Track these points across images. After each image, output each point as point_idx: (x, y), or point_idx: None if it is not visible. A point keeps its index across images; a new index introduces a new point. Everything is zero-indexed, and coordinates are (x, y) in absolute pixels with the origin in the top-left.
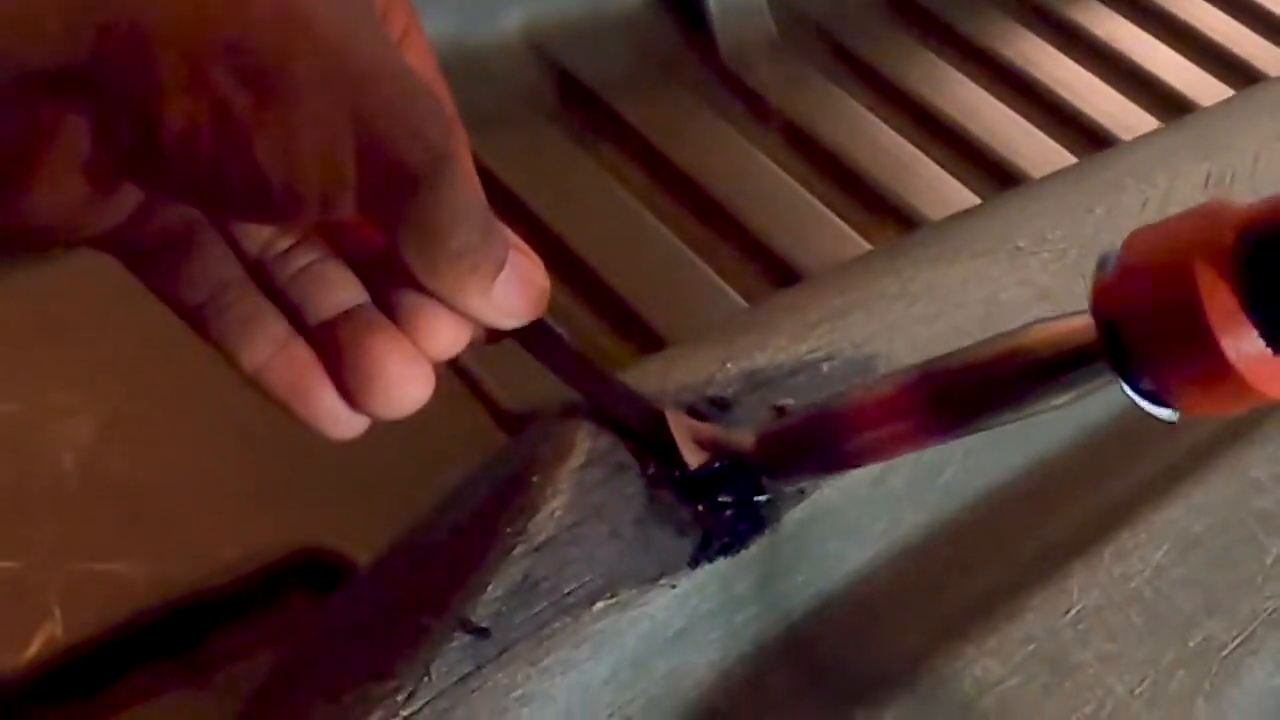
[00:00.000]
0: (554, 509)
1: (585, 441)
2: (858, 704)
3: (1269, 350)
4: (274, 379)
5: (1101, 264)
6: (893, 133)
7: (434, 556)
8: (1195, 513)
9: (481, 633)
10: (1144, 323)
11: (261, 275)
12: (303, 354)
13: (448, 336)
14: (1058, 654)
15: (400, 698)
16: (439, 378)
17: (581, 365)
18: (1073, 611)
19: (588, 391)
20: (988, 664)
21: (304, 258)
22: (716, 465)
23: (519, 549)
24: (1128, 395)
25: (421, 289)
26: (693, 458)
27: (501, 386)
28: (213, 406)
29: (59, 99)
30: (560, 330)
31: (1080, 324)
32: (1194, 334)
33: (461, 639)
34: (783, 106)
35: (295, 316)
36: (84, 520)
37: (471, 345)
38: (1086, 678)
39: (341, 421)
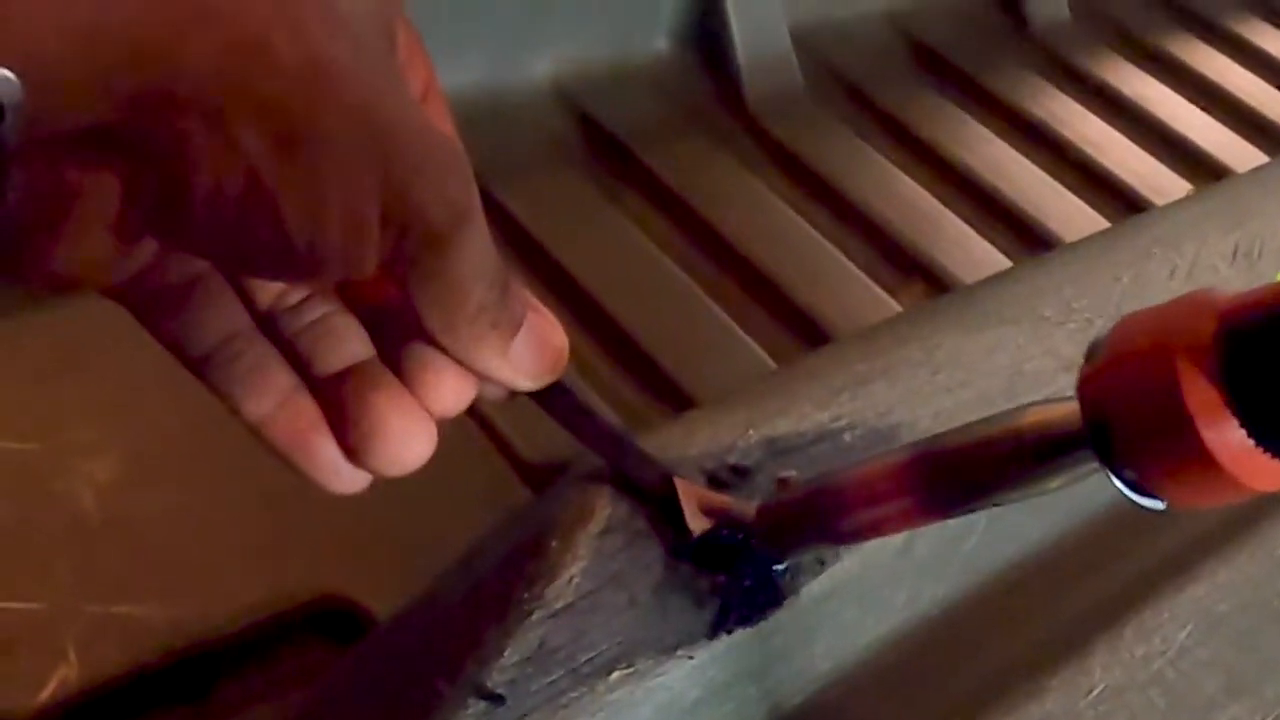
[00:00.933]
0: (572, 575)
1: (605, 508)
2: None
3: (1251, 442)
4: (276, 431)
5: (1091, 350)
6: (920, 189)
7: (451, 618)
8: (1220, 591)
9: (496, 699)
10: (1127, 414)
11: (271, 326)
12: (306, 407)
13: (454, 392)
14: None
15: None
16: (460, 428)
17: (598, 426)
18: (1094, 692)
19: (603, 453)
20: None
21: (315, 311)
22: (722, 534)
23: (536, 614)
24: (1115, 485)
25: (436, 345)
26: (697, 525)
27: (523, 438)
28: (233, 449)
29: (89, 159)
30: (577, 390)
31: (1068, 411)
32: (1175, 426)
33: (476, 706)
34: (809, 160)
35: (302, 368)
36: (102, 561)
37: (489, 401)
38: None
39: (342, 476)
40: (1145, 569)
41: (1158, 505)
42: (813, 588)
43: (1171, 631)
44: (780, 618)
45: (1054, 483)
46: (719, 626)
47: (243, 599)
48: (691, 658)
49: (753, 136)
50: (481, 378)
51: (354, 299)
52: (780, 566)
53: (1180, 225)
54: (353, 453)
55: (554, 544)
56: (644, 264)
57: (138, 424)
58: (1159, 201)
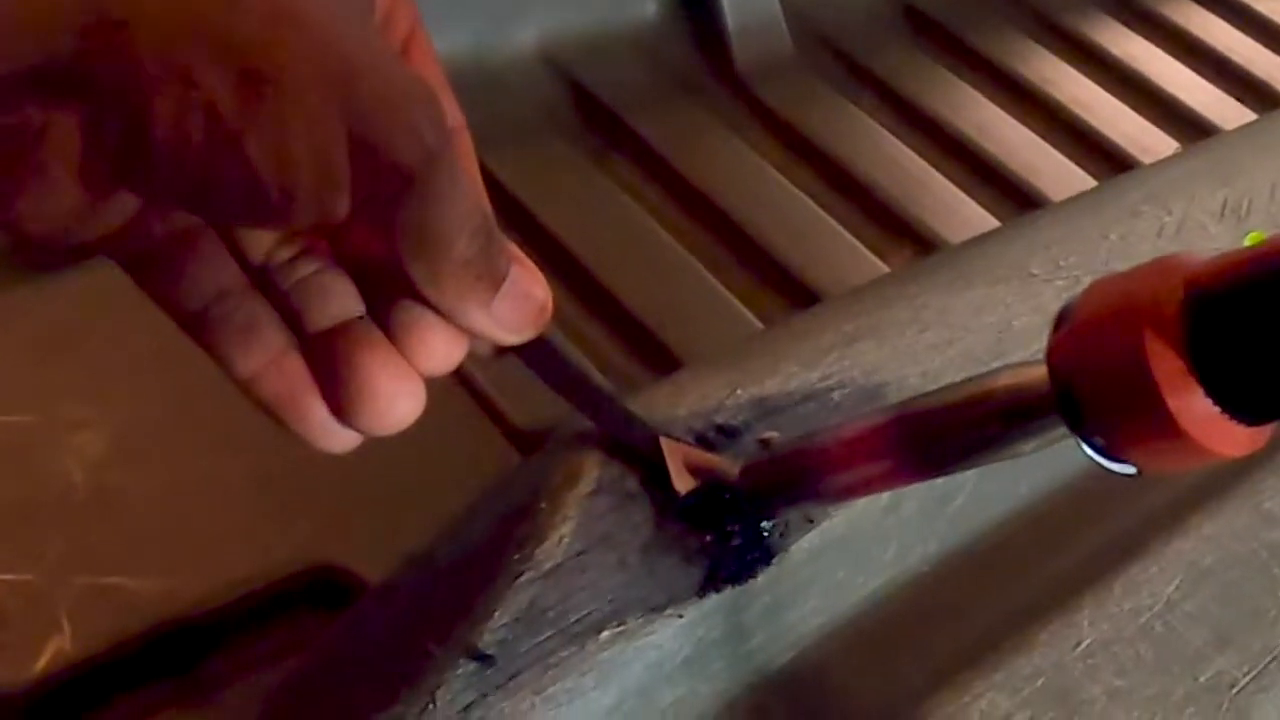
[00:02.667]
0: (562, 536)
1: (594, 469)
2: None
3: (1217, 409)
4: (266, 389)
5: (1062, 315)
6: (909, 151)
7: (441, 581)
8: (1206, 545)
9: (487, 660)
10: (1094, 381)
11: (263, 281)
12: (296, 365)
13: (442, 351)
14: (1066, 688)
15: None
16: (450, 394)
17: (583, 385)
18: (1082, 645)
19: (588, 412)
20: (995, 698)
21: (307, 267)
22: (710, 492)
23: (526, 576)
24: (1084, 450)
25: (422, 300)
26: (682, 484)
27: (513, 404)
28: (223, 421)
29: (45, 99)
30: (562, 347)
31: (1039, 375)
32: (1141, 395)
33: (467, 666)
34: (798, 124)
35: (293, 325)
36: (93, 534)
37: (475, 359)
38: (1095, 713)
39: (332, 435)
40: (1132, 524)
41: (1128, 470)
42: (802, 545)
43: (1159, 585)
44: (770, 575)
45: (1026, 446)
46: (708, 585)
47: (235, 569)
48: (681, 616)
49: (742, 101)
50: (466, 331)
51: (346, 256)
52: (769, 524)
53: (1169, 183)
54: (341, 411)
55: (543, 505)
56: (633, 229)
57: (129, 398)
58: (1148, 161)
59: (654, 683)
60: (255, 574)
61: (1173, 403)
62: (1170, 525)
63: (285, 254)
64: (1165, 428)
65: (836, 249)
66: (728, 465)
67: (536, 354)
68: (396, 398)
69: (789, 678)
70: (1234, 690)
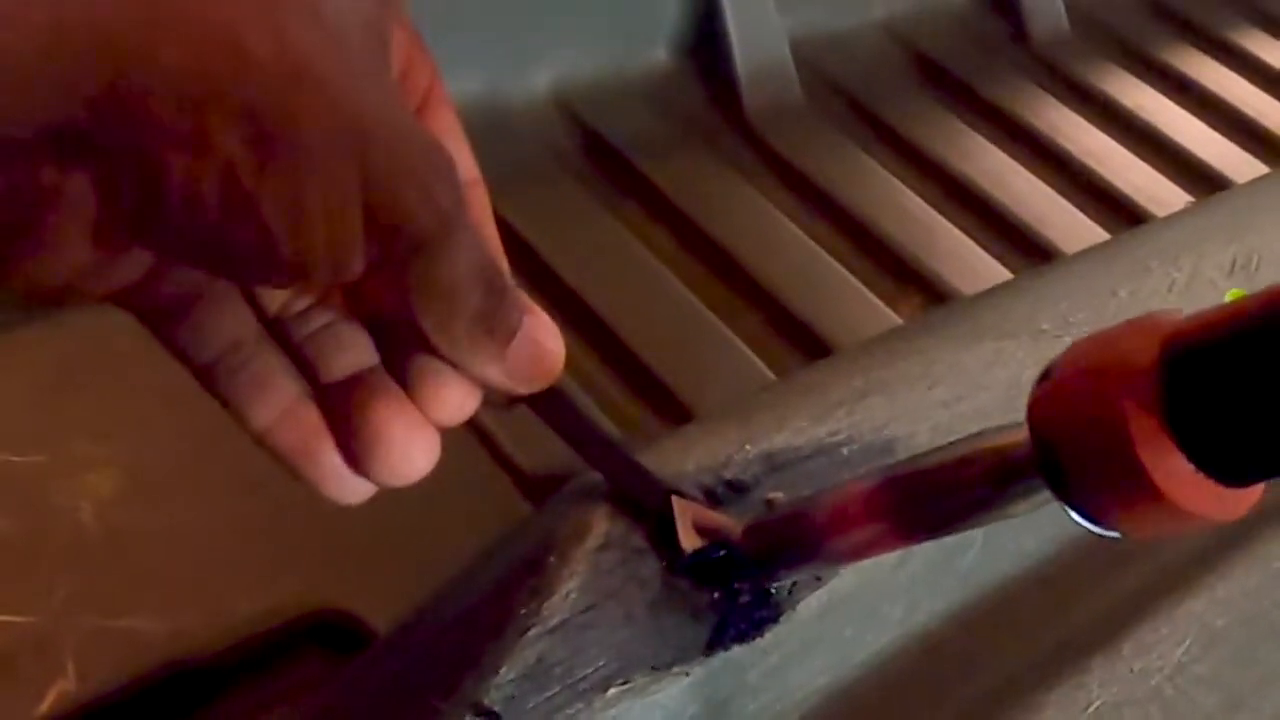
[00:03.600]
0: (569, 591)
1: (603, 523)
2: None
3: (1197, 472)
4: (281, 440)
5: (1045, 373)
6: (919, 200)
7: (447, 634)
8: (1218, 606)
9: (492, 717)
10: (1072, 442)
11: (277, 331)
12: (311, 416)
13: (457, 402)
14: None
15: None
16: (460, 440)
17: (594, 437)
18: (1092, 708)
19: (598, 464)
20: None
21: (321, 318)
22: (712, 553)
23: (533, 631)
24: (1067, 513)
25: (435, 353)
26: (689, 542)
27: (522, 451)
28: (233, 463)
29: (60, 161)
30: (574, 398)
31: (1020, 437)
32: (1118, 456)
33: None
34: (808, 170)
35: (307, 375)
36: (101, 575)
37: (487, 409)
38: None
39: (346, 485)
40: (1142, 584)
41: (1113, 535)
42: (810, 603)
43: (1169, 647)
44: (777, 634)
45: (1016, 508)
46: (716, 643)
47: (242, 612)
48: (688, 674)
49: (751, 147)
50: (478, 383)
51: (360, 306)
52: (777, 584)
53: (1178, 239)
54: (356, 462)
55: (551, 560)
56: (643, 275)
57: (139, 439)
58: (1158, 212)
59: None
60: (262, 617)
61: (1150, 465)
62: (1181, 585)
63: (300, 305)
64: (1144, 491)
65: (845, 295)
66: (733, 526)
67: (548, 404)
68: (411, 448)
69: None
70: None
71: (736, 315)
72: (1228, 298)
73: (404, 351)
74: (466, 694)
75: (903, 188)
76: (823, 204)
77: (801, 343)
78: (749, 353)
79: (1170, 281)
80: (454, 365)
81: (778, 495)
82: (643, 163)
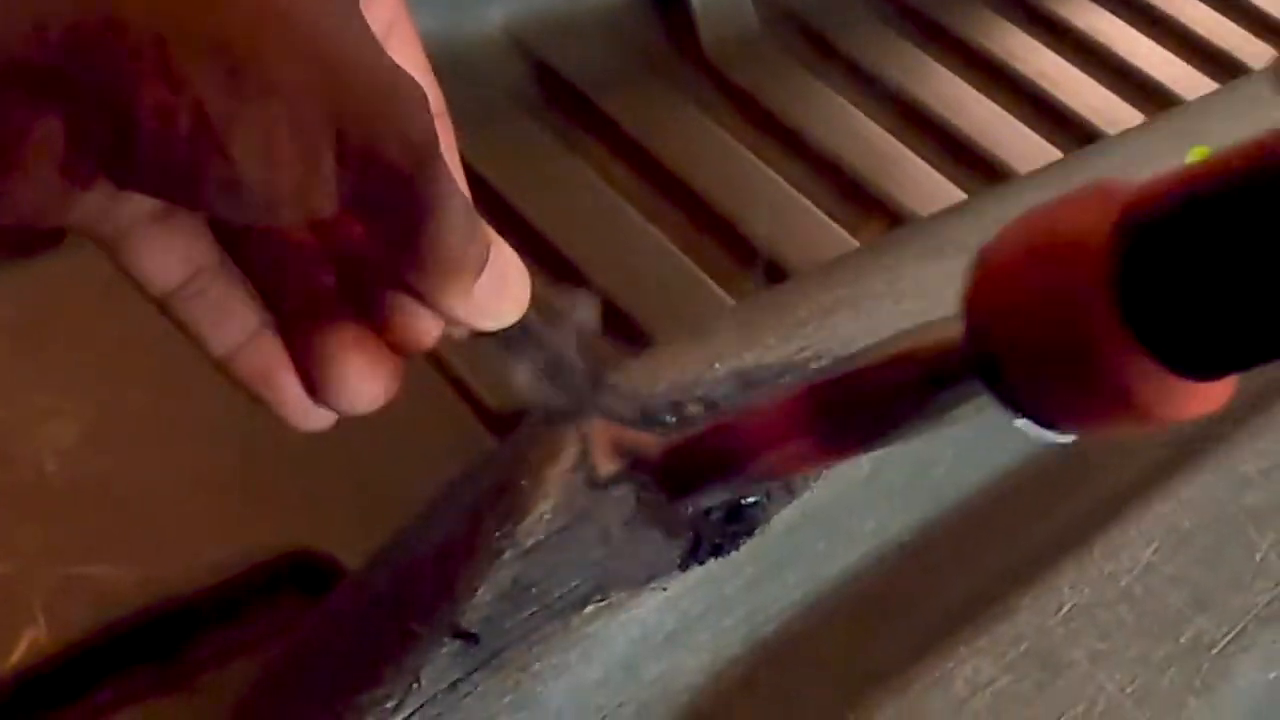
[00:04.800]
0: (542, 512)
1: (575, 445)
2: (848, 705)
3: (1159, 365)
4: (242, 367)
5: (980, 257)
6: (877, 127)
7: (422, 561)
8: (1185, 509)
9: (471, 638)
10: (1016, 338)
11: (241, 257)
12: (271, 344)
13: (418, 332)
14: (1049, 652)
15: (389, 705)
16: (426, 377)
17: (561, 366)
18: (1063, 610)
19: (568, 393)
20: (979, 663)
21: (284, 244)
22: (627, 474)
23: (508, 553)
24: (1006, 417)
25: (400, 285)
26: (605, 465)
27: (488, 387)
28: (197, 408)
29: (31, 98)
30: (539, 329)
31: (955, 333)
32: (1072, 354)
33: (451, 645)
34: (767, 101)
35: (270, 302)
36: (68, 523)
37: (451, 341)
38: (1078, 676)
39: (308, 413)
40: (1111, 490)
41: (1061, 439)
42: (783, 517)
43: (1138, 549)
44: (751, 548)
45: (951, 415)
46: (691, 558)
47: (211, 556)
48: (665, 590)
49: (709, 79)
50: (444, 317)
51: (327, 239)
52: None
53: (1134, 153)
54: (315, 391)
55: (523, 482)
56: (601, 208)
57: (100, 387)
58: (1113, 133)
59: (639, 656)
60: (231, 560)
61: (1109, 362)
62: (1148, 490)
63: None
64: (1102, 392)
65: (806, 225)
66: (651, 446)
67: (514, 337)
68: (371, 378)
69: (774, 649)
70: (1213, 650)
71: (697, 246)
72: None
73: (364, 278)
74: (444, 617)
75: (860, 115)
76: (781, 133)
77: (765, 271)
78: (710, 282)
79: None
80: (420, 300)
81: (697, 412)
82: (599, 97)
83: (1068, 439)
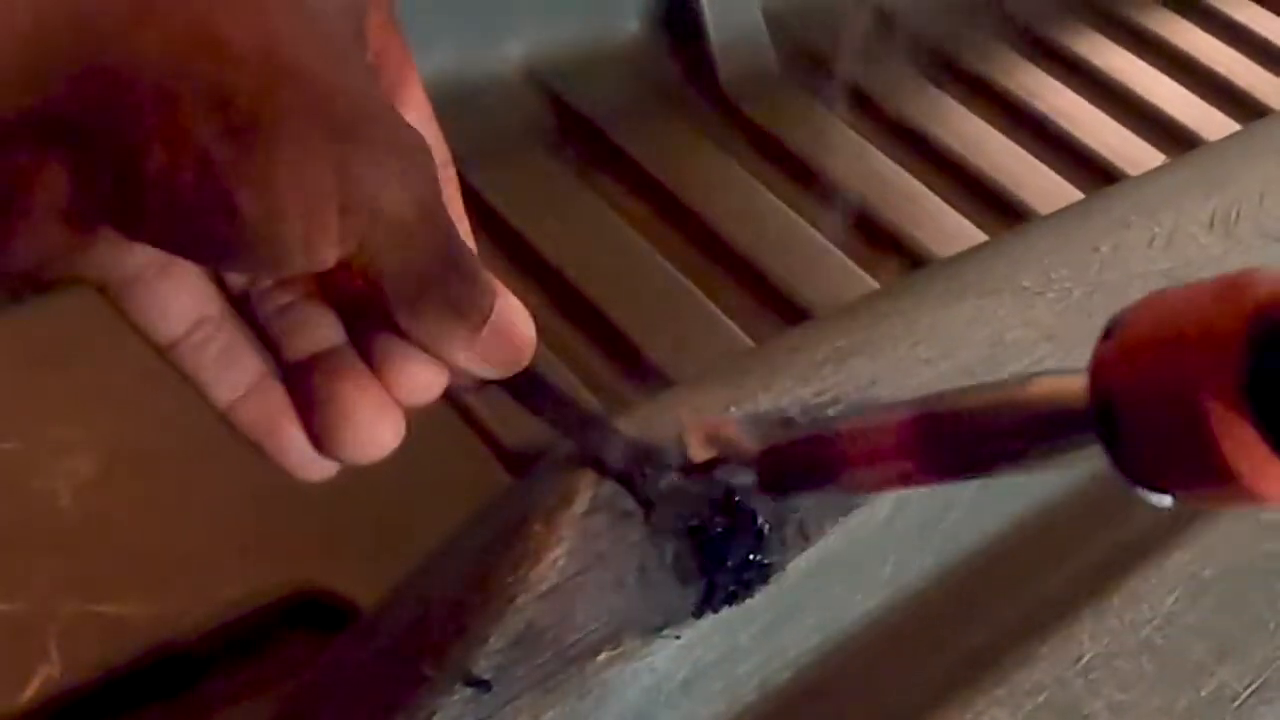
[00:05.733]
0: (556, 557)
1: (588, 488)
2: None
3: (1273, 453)
4: (245, 416)
5: (1110, 327)
6: (895, 166)
7: (435, 604)
8: (1206, 557)
9: (483, 685)
10: (1136, 409)
11: (243, 309)
12: (275, 393)
13: (424, 383)
14: (1068, 703)
15: None
16: (440, 416)
17: (570, 412)
18: (1083, 660)
19: (576, 439)
20: (996, 714)
21: (288, 296)
22: (718, 466)
23: (521, 598)
24: (1118, 478)
25: (402, 335)
26: (699, 454)
27: (503, 425)
28: (212, 445)
29: (36, 144)
30: (547, 376)
31: (1078, 387)
32: (1190, 435)
33: (463, 691)
34: (784, 139)
35: (274, 352)
36: (82, 559)
37: (456, 389)
38: None
39: (310, 463)
40: (1131, 537)
41: (1163, 502)
42: (799, 563)
43: (1159, 598)
44: (766, 595)
45: (1055, 462)
46: (705, 605)
47: (225, 594)
48: (679, 637)
49: (727, 116)
50: (448, 368)
51: (329, 289)
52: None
53: (1157, 194)
54: (319, 440)
55: (537, 527)
56: (619, 246)
57: (116, 422)
58: (1133, 172)
59: (652, 705)
60: (245, 598)
61: (1226, 448)
62: (1169, 537)
63: (266, 282)
64: (1214, 472)
65: (823, 262)
66: (746, 441)
67: (521, 385)
68: (375, 427)
69: (788, 698)
70: (1235, 703)
71: (714, 284)
72: None
73: (371, 331)
74: (456, 662)
75: (879, 154)
76: (799, 172)
77: (781, 311)
78: (728, 321)
79: (1151, 236)
80: (424, 351)
81: (795, 414)
82: (617, 134)
83: (1167, 503)
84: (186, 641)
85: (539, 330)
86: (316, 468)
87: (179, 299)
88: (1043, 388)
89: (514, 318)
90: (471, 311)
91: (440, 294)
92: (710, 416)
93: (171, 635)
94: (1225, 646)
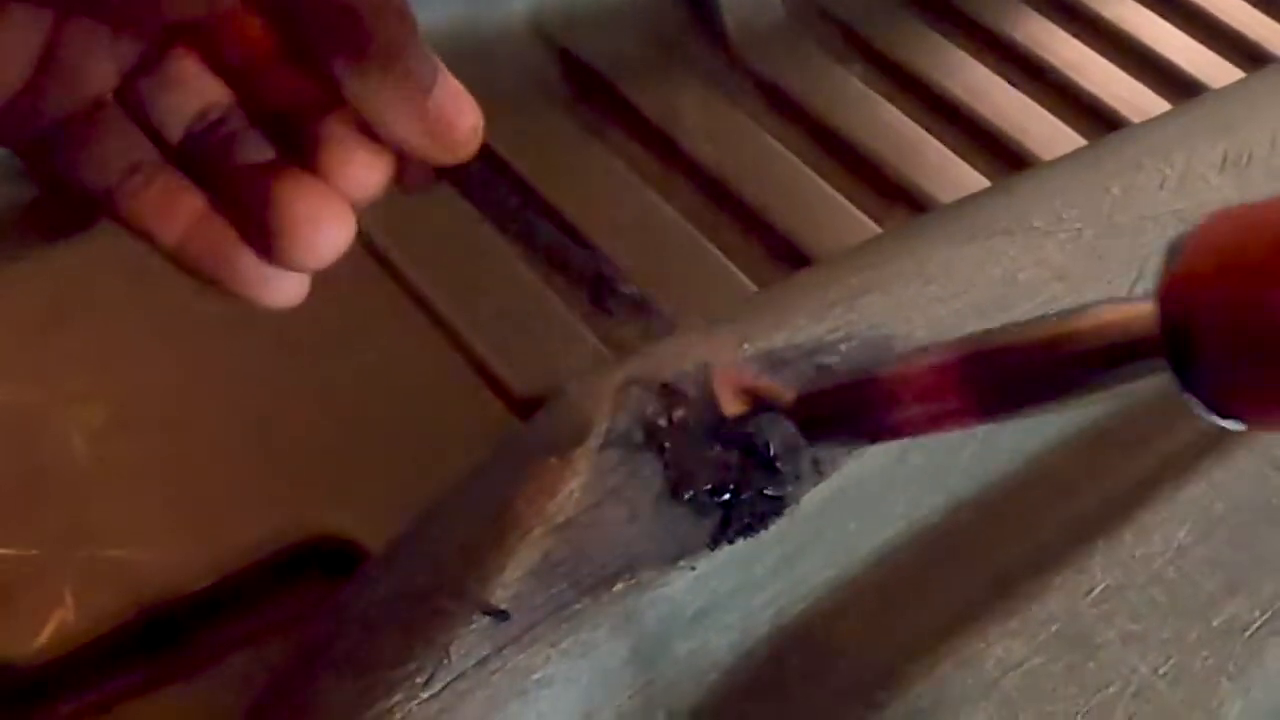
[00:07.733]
0: (572, 490)
1: (603, 422)
2: (878, 685)
3: None
4: (194, 251)
5: (1173, 250)
6: (901, 115)
7: (451, 539)
8: (1217, 491)
9: (500, 615)
10: (1218, 333)
11: (180, 154)
12: (219, 224)
13: (364, 170)
14: (1081, 634)
15: (419, 680)
16: (449, 362)
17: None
18: (1095, 591)
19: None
20: (1010, 644)
21: (224, 129)
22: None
23: (537, 530)
24: (1186, 401)
25: (343, 117)
26: (732, 406)
27: (514, 372)
28: (224, 392)
29: None
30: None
31: (1143, 313)
32: (1270, 351)
33: (480, 621)
34: (791, 90)
35: (213, 185)
36: (96, 507)
37: (472, 324)
38: (1110, 657)
39: (270, 285)
40: (1143, 472)
41: (1236, 426)
42: (813, 497)
43: (1170, 531)
44: (781, 528)
45: (1113, 389)
46: (720, 537)
47: (238, 540)
48: (694, 569)
49: (734, 68)
50: (392, 142)
51: (258, 98)
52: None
53: (1167, 137)
54: (269, 253)
55: (552, 460)
56: (627, 197)
57: (130, 370)
58: (1139, 121)
59: (667, 635)
60: (259, 544)
61: None
62: (1181, 473)
63: (198, 125)
64: None
65: (830, 213)
66: (778, 389)
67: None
68: (320, 223)
69: (803, 629)
70: (1246, 633)
71: (723, 234)
72: None
73: (307, 140)
74: (473, 593)
75: (885, 103)
76: (805, 121)
77: (789, 260)
78: (736, 271)
79: (1162, 178)
80: (369, 119)
81: (834, 359)
82: (624, 86)
83: (1240, 428)
84: (201, 586)
85: (546, 280)
86: (277, 289)
87: (106, 149)
88: (1105, 316)
89: (460, 95)
90: (417, 70)
91: (382, 37)
92: (737, 366)
93: (186, 581)
94: (1236, 580)
